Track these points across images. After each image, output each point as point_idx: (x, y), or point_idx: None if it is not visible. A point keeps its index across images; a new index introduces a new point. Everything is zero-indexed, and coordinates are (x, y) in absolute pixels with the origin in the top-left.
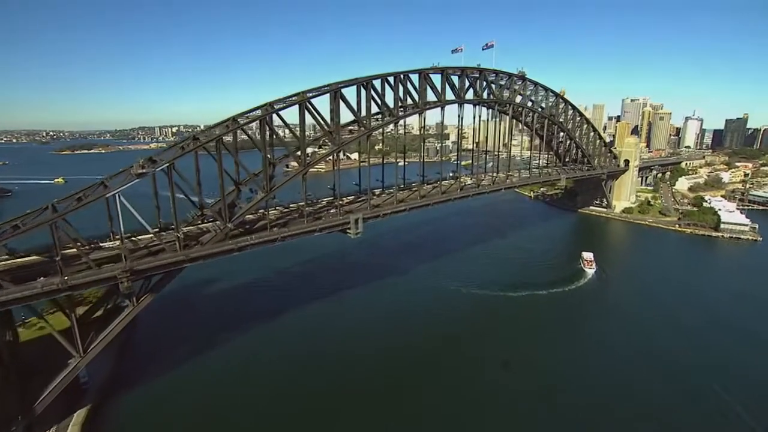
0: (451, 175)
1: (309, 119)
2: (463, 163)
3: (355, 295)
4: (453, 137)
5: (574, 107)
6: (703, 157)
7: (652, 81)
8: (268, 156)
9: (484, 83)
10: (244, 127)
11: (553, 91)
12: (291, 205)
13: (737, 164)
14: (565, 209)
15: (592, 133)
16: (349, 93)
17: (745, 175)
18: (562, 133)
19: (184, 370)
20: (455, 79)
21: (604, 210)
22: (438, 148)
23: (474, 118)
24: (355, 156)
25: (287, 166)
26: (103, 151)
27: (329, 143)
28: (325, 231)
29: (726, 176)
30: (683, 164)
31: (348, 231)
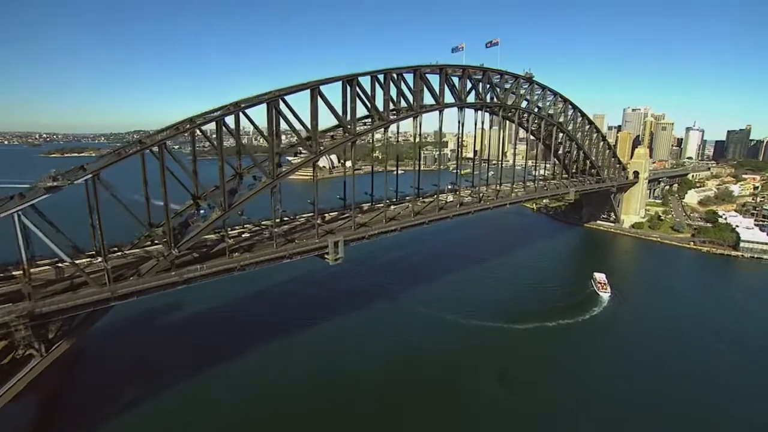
0: (449, 187)
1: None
2: (462, 171)
3: (336, 327)
4: (452, 145)
5: (583, 114)
6: (708, 168)
7: (651, 91)
8: (225, 165)
9: (488, 85)
10: (207, 133)
11: (562, 96)
12: (264, 223)
13: (744, 176)
14: (571, 223)
15: (601, 143)
16: (334, 93)
17: (755, 188)
18: (569, 142)
19: (127, 425)
20: (455, 80)
21: (612, 225)
22: (436, 156)
23: (475, 124)
24: (349, 163)
25: (255, 178)
26: (93, 155)
27: (305, 151)
28: (297, 257)
29: (736, 189)
30: (690, 176)
31: (326, 256)
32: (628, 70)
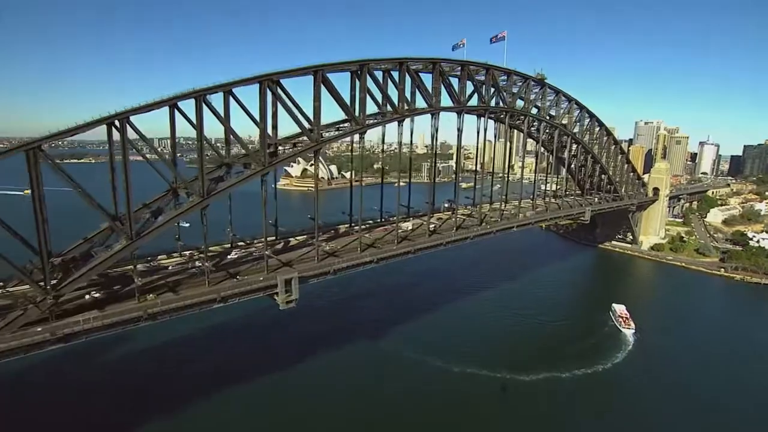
0: (446, 205)
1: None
2: (464, 185)
3: (299, 373)
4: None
5: (601, 124)
6: (728, 184)
7: (661, 104)
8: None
9: (492, 88)
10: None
11: (578, 103)
12: (211, 249)
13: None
14: (583, 243)
15: (619, 156)
16: (303, 91)
17: None
18: (584, 155)
19: None
20: (454, 82)
21: (630, 246)
22: (440, 168)
23: (477, 132)
24: (348, 174)
25: (188, 194)
26: (93, 161)
27: (253, 162)
28: (233, 300)
29: (762, 207)
30: (710, 192)
31: (275, 297)
32: (637, 82)
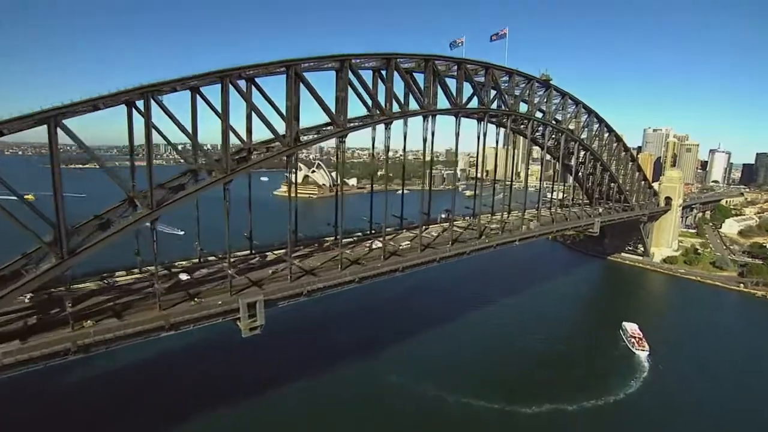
0: (443, 216)
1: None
2: (468, 194)
3: (261, 411)
4: (462, 164)
5: (611, 129)
6: (741, 193)
7: (670, 110)
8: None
9: (492, 90)
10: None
11: (586, 107)
12: (178, 264)
13: None
14: (591, 255)
15: (630, 164)
16: (273, 87)
17: None
18: (592, 162)
19: None
20: (450, 82)
21: (640, 258)
22: (444, 174)
23: (478, 137)
24: (352, 181)
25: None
26: (97, 167)
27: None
28: (185, 327)
29: None
30: (723, 202)
31: (237, 323)
32: (644, 88)
